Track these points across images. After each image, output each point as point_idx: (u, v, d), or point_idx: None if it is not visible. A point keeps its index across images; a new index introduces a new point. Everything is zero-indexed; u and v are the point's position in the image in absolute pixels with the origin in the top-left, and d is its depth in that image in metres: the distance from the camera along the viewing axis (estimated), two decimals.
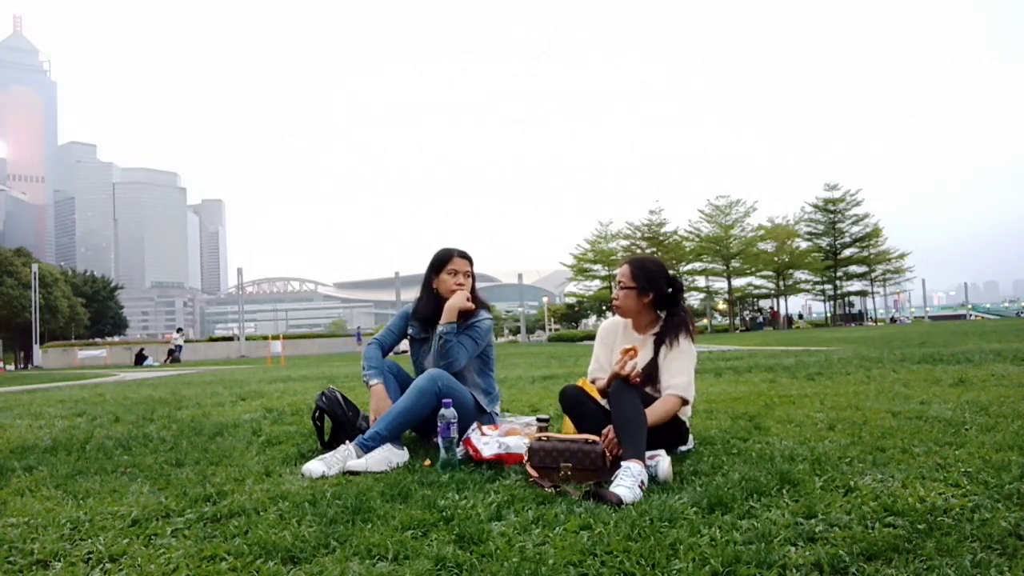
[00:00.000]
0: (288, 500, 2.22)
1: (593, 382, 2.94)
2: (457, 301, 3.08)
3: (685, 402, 2.73)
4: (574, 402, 2.83)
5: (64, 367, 29.51)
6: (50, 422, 4.74)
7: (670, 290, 2.90)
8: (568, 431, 2.92)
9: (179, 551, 1.77)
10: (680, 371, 2.74)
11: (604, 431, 2.54)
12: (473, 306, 3.12)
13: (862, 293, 58.10)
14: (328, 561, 1.67)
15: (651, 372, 2.79)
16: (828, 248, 54.58)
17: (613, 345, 3.00)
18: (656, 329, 2.89)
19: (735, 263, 49.72)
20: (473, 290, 3.23)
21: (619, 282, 2.92)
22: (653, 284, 2.87)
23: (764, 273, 52.24)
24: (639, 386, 2.69)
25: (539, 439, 2.45)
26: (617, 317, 3.04)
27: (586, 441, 2.41)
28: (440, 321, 3.07)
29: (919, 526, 1.74)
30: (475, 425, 2.89)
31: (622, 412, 2.50)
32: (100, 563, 1.73)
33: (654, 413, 2.59)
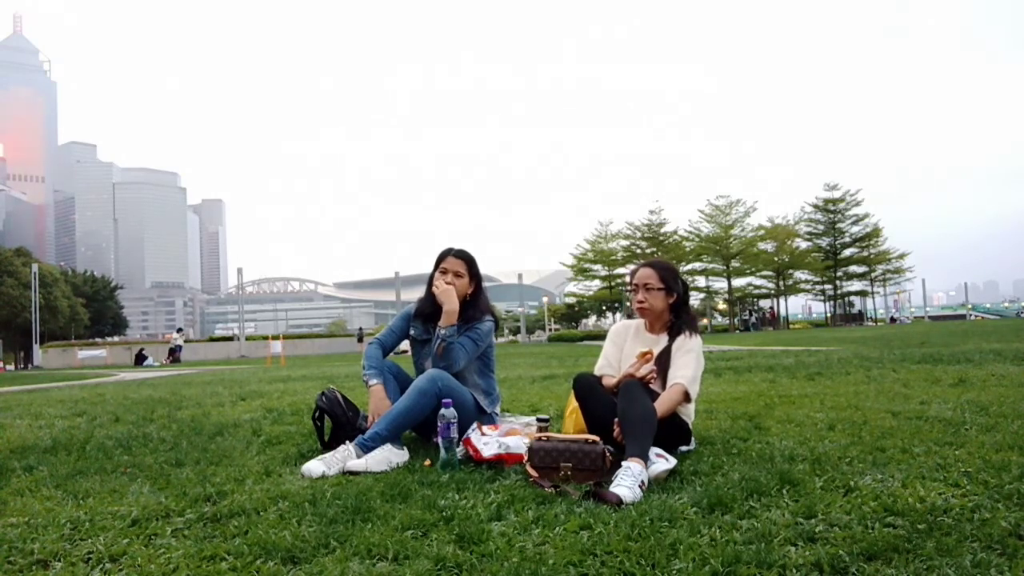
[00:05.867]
0: (288, 500, 2.22)
1: (600, 379, 2.96)
2: (451, 305, 3.07)
3: (688, 397, 2.76)
4: (587, 390, 2.85)
5: (64, 367, 29.51)
6: (50, 422, 4.74)
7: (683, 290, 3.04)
8: (568, 431, 2.93)
9: (179, 551, 1.77)
10: (688, 365, 2.82)
11: (616, 422, 2.59)
12: (457, 299, 3.09)
13: (862, 293, 58.14)
14: (328, 561, 1.67)
15: (665, 362, 2.86)
16: (828, 248, 54.63)
17: (623, 345, 3.05)
18: (667, 329, 2.99)
19: (735, 263, 49.75)
20: (477, 293, 3.22)
21: (644, 285, 2.97)
22: (676, 284, 2.99)
23: (764, 273, 52.30)
24: (650, 386, 2.75)
25: (539, 439, 2.45)
26: (628, 319, 3.08)
27: (586, 441, 2.41)
28: (439, 324, 3.07)
29: (919, 526, 1.74)
30: (475, 425, 2.89)
31: (632, 410, 2.51)
32: (100, 563, 1.73)
33: (660, 405, 2.64)
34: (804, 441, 2.90)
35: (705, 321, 52.44)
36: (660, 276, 2.97)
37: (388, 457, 2.71)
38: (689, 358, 2.84)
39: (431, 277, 3.22)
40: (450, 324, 3.05)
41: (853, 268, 55.64)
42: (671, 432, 2.71)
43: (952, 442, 2.73)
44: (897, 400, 4.12)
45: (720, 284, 53.11)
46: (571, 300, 64.79)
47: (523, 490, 2.25)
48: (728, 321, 53.33)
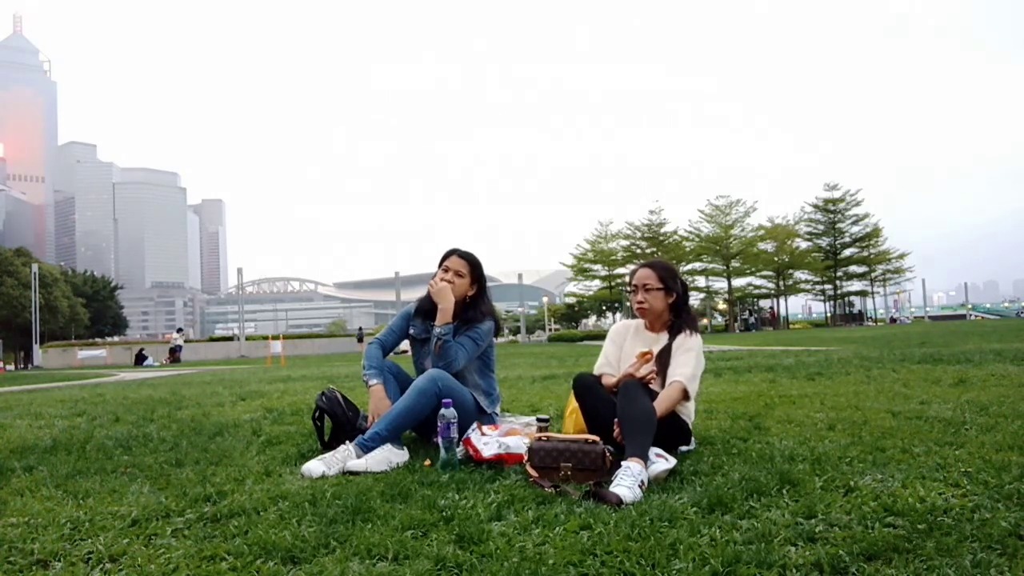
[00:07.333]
0: (288, 500, 2.22)
1: (599, 378, 2.96)
2: (446, 303, 3.07)
3: (687, 395, 2.76)
4: (587, 390, 2.85)
5: (64, 367, 29.51)
6: (50, 422, 4.74)
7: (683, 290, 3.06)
8: (568, 431, 2.93)
9: (179, 551, 1.77)
10: (687, 363, 2.83)
11: (616, 422, 2.59)
12: (452, 297, 3.10)
13: (862, 293, 58.19)
14: (328, 561, 1.67)
15: (665, 361, 2.87)
16: (828, 248, 54.69)
17: (623, 344, 3.06)
18: (668, 328, 3.00)
19: (735, 263, 49.80)
20: (479, 296, 3.22)
21: (644, 285, 2.98)
22: (676, 284, 3.00)
23: (764, 273, 52.35)
24: (649, 386, 2.76)
25: (539, 439, 2.45)
26: (628, 319, 3.09)
27: (586, 441, 2.41)
28: (436, 322, 3.07)
29: (919, 526, 1.74)
30: (475, 425, 2.89)
31: (631, 410, 2.52)
32: (100, 563, 1.73)
33: (659, 404, 2.64)
34: (804, 441, 2.90)
35: (705, 321, 52.48)
36: (659, 276, 2.99)
37: (388, 457, 2.71)
38: (689, 357, 2.84)
39: (434, 275, 3.23)
40: (445, 322, 3.05)
41: (853, 268, 55.71)
42: (671, 432, 2.71)
43: (952, 442, 2.73)
44: (897, 400, 4.12)
45: (720, 284, 53.19)
46: (571, 300, 64.86)
47: (523, 490, 2.25)
48: (728, 321, 53.35)
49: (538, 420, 3.00)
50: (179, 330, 35.68)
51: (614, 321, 51.80)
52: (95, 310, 63.58)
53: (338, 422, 3.11)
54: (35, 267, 41.27)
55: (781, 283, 53.04)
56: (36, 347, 35.91)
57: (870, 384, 5.15)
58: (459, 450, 2.74)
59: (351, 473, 2.60)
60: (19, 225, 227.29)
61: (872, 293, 58.16)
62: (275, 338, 32.04)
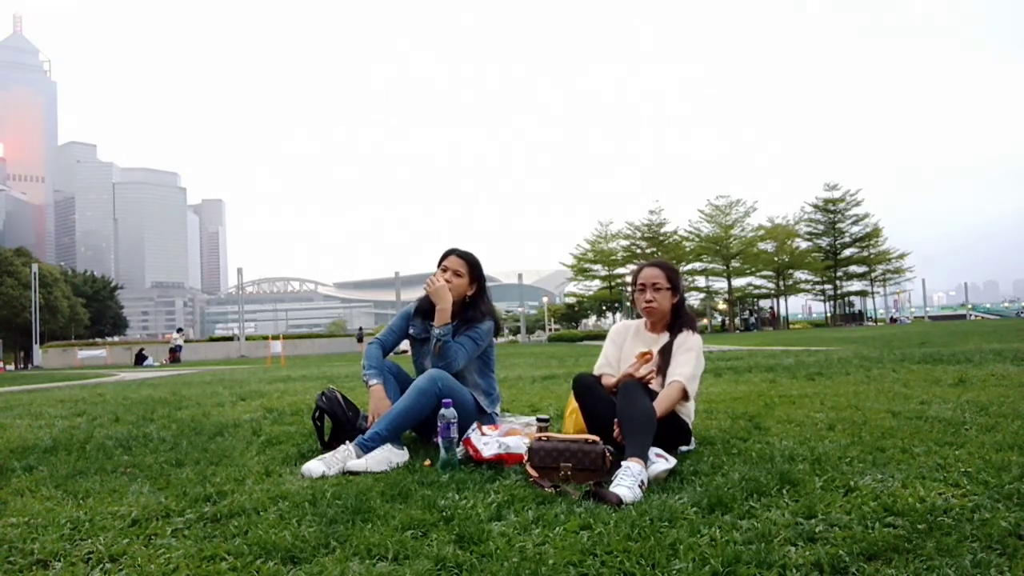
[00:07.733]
0: (288, 500, 2.22)
1: (599, 378, 2.96)
2: (443, 303, 3.07)
3: (686, 395, 2.76)
4: (587, 390, 2.85)
5: (64, 367, 29.51)
6: (50, 422, 4.74)
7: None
8: (568, 431, 2.93)
9: (179, 551, 1.77)
10: (687, 363, 2.83)
11: (615, 422, 2.60)
12: (450, 297, 3.10)
13: (862, 293, 58.21)
14: (328, 561, 1.67)
15: (666, 360, 2.88)
16: (828, 248, 54.71)
17: (623, 345, 3.07)
18: (668, 328, 3.01)
19: (735, 263, 49.81)
20: (479, 295, 3.22)
21: (652, 284, 2.98)
22: (680, 284, 3.03)
23: (764, 273, 52.36)
24: (649, 385, 2.77)
25: (539, 439, 2.45)
26: (628, 319, 3.11)
27: (586, 441, 2.41)
28: (435, 322, 3.07)
29: (919, 526, 1.74)
30: (475, 425, 2.89)
31: (631, 410, 2.52)
32: (100, 563, 1.73)
33: (659, 404, 2.65)
34: (804, 441, 2.90)
35: (705, 321, 52.51)
36: (667, 276, 3.01)
37: (388, 457, 2.71)
38: (689, 356, 2.85)
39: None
40: (444, 323, 3.05)
41: (853, 268, 55.74)
42: (671, 432, 2.71)
43: (952, 442, 2.73)
44: (897, 400, 4.12)
45: (720, 284, 53.20)
46: (571, 300, 64.88)
47: (523, 490, 2.25)
48: (728, 321, 53.35)
49: (538, 420, 3.00)
50: (179, 330, 35.69)
51: (614, 321, 51.86)
52: (95, 310, 63.56)
53: (338, 422, 3.11)
54: (35, 267, 41.27)
55: (781, 283, 53.06)
56: (36, 347, 35.91)
57: (870, 384, 5.15)
58: (459, 450, 2.74)
59: (351, 473, 2.60)
60: (19, 225, 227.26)
61: (872, 293, 58.19)
62: (275, 338, 32.05)
